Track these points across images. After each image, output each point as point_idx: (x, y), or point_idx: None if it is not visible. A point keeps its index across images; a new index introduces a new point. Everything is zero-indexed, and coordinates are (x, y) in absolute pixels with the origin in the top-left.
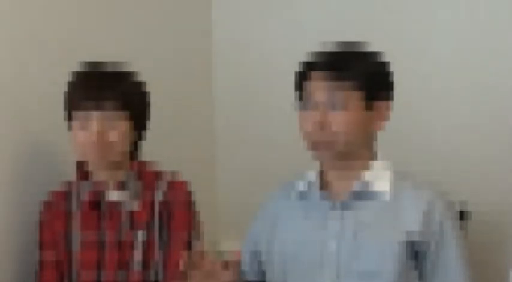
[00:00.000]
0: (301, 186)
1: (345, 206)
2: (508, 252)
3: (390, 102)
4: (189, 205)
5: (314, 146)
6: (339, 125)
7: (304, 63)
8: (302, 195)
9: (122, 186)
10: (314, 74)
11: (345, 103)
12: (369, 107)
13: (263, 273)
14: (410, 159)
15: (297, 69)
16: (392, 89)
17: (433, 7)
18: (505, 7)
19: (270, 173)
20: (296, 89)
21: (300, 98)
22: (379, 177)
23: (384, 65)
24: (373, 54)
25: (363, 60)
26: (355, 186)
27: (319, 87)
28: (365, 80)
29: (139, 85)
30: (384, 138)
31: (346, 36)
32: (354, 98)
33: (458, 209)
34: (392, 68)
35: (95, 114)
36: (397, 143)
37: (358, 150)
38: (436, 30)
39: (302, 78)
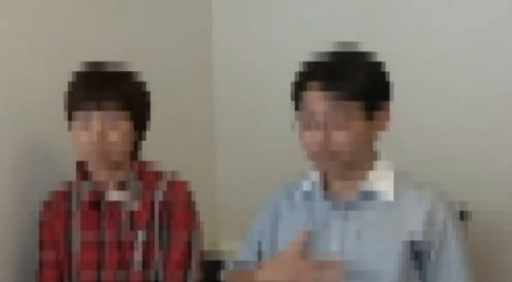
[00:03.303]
0: (306, 186)
1: (348, 206)
2: (508, 252)
3: (389, 112)
4: (189, 205)
5: (315, 156)
6: (339, 136)
7: (300, 72)
8: (306, 195)
9: (122, 186)
10: (311, 84)
11: (345, 113)
12: (369, 117)
13: None
14: (411, 160)
15: (296, 72)
16: (390, 99)
17: (432, 8)
18: (504, 7)
19: (270, 173)
20: (292, 99)
21: (297, 108)
22: (382, 177)
23: (383, 74)
24: (372, 64)
25: (361, 69)
26: (362, 186)
27: (317, 98)
28: (364, 90)
29: (140, 85)
30: (384, 138)
31: (346, 36)
32: (354, 108)
33: (458, 209)
34: (392, 68)
35: (95, 114)
36: (397, 143)
37: (360, 156)
38: (436, 30)
39: (299, 88)
